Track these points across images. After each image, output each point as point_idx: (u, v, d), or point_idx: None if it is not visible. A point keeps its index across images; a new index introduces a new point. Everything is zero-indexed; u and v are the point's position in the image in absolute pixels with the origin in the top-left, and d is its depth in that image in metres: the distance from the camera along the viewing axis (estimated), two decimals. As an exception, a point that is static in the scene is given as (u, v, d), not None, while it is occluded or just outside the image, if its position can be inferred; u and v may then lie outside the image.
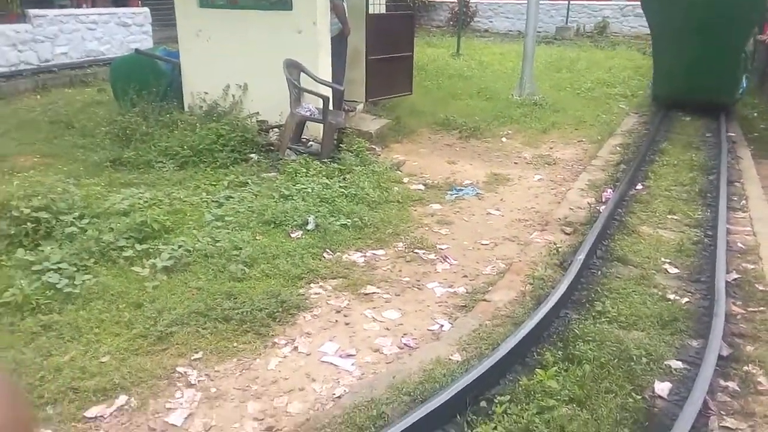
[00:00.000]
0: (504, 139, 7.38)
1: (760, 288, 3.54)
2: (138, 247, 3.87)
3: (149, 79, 6.71)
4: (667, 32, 8.43)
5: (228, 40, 6.46)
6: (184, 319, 3.16)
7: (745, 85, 8.63)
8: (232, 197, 4.90)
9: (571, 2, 19.68)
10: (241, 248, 3.96)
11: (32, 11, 10.02)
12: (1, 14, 10.19)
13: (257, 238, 4.23)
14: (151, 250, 3.87)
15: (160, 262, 3.71)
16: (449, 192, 5.55)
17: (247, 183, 5.23)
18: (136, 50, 7.38)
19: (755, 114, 8.70)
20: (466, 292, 3.68)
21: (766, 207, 4.97)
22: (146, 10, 12.41)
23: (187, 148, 5.76)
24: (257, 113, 6.37)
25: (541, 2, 15.91)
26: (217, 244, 4.01)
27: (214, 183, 5.25)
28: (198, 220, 4.43)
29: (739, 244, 4.22)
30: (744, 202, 5.11)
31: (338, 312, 3.41)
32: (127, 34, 11.67)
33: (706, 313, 3.19)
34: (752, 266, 3.87)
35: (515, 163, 6.56)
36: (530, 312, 3.13)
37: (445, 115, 7.87)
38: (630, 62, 13.11)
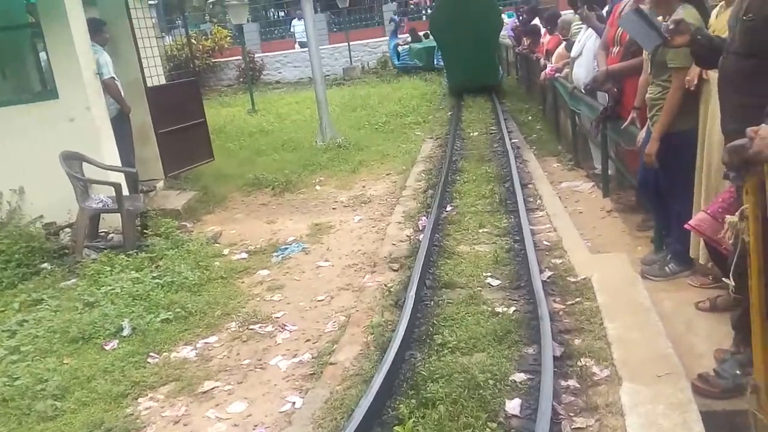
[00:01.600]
0: (318, 187, 7.41)
1: (572, 280, 3.86)
2: None
3: None
4: (449, 44, 12.63)
5: (-8, 142, 5.72)
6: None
7: (501, 72, 13.60)
8: (26, 321, 4.26)
9: (351, 43, 20.74)
10: (47, 380, 3.42)
11: None
12: None
13: (65, 362, 3.69)
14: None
15: (-60, 428, 3.05)
16: (274, 254, 5.38)
17: (43, 299, 4.59)
18: None
19: (529, 117, 9.74)
20: (312, 358, 3.53)
21: (557, 202, 5.51)
22: None
23: (-39, 275, 4.92)
24: (41, 216, 5.68)
25: (322, 47, 16.63)
26: (17, 383, 3.43)
27: (2, 309, 4.53)
28: (-13, 359, 3.75)
29: (545, 242, 4.61)
30: (539, 201, 5.62)
31: (177, 423, 3.05)
32: None
33: (533, 316, 3.39)
34: (560, 260, 4.22)
35: (333, 208, 6.59)
36: (377, 364, 3.07)
37: (253, 174, 7.71)
38: (416, 91, 14.07)
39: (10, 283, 4.94)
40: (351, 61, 20.46)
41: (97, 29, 6.09)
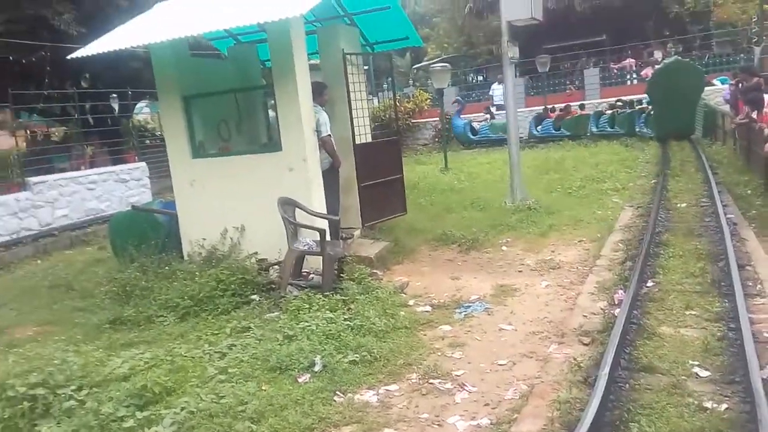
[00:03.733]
0: (504, 248, 7.34)
1: (801, 383, 3.31)
2: (139, 415, 3.66)
3: (147, 233, 6.79)
4: (661, 101, 15.87)
5: (222, 185, 6.61)
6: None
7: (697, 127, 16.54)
8: (234, 345, 4.75)
9: (548, 106, 20.55)
10: (247, 402, 3.76)
11: (32, 179, 10.37)
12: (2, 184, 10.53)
13: (263, 388, 4.02)
14: (152, 416, 3.66)
15: (162, 429, 3.49)
16: (457, 310, 5.41)
17: (250, 327, 5.09)
18: (133, 206, 7.54)
19: (748, 191, 8.73)
20: (491, 424, 3.44)
21: (783, 290, 4.82)
22: (143, 164, 12.89)
23: (188, 298, 5.68)
24: (256, 253, 6.37)
25: (519, 110, 16.72)
26: (222, 401, 3.81)
27: (216, 332, 5.11)
28: (201, 375, 4.24)
29: (766, 335, 4.03)
30: (760, 286, 4.96)
31: (356, 465, 3.15)
32: (125, 189, 12.04)
33: (750, 419, 2.96)
34: (786, 358, 3.66)
35: (519, 271, 6.46)
36: (562, 444, 2.89)
37: (442, 230, 7.89)
38: (615, 156, 13.44)
39: (225, 310, 5.57)
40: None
41: (319, 92, 6.81)
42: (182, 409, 3.68)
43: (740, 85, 11.68)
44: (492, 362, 4.28)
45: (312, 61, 7.37)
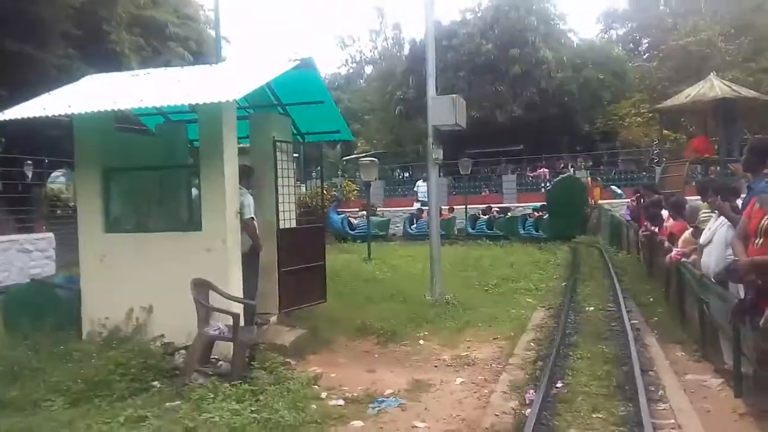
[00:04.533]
0: (422, 342, 7.33)
1: (699, 490, 3.40)
2: None
3: (45, 308, 6.32)
4: (556, 209, 18.87)
5: (134, 263, 6.33)
6: None
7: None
8: (128, 437, 4.38)
9: (469, 206, 21.45)
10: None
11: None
12: None
13: (155, 486, 3.70)
14: None
15: None
16: (371, 405, 5.26)
17: (147, 417, 4.72)
18: (32, 279, 7.05)
19: (651, 299, 9.25)
20: None
21: (683, 396, 5.02)
22: (50, 235, 12.19)
23: (81, 381, 5.23)
24: (162, 336, 6.04)
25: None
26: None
27: (108, 420, 4.69)
28: (86, 469, 3.85)
29: (667, 440, 4.15)
30: (661, 392, 5.15)
31: None
32: (28, 260, 11.27)
33: None
34: (686, 465, 3.76)
35: (435, 366, 6.44)
36: None
37: (361, 321, 7.81)
38: (529, 257, 14.03)
39: (121, 396, 5.16)
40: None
41: (246, 175, 6.82)
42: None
43: (642, 200, 12.68)
44: (403, 462, 4.14)
45: (241, 145, 7.42)
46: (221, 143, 6.10)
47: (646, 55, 34.91)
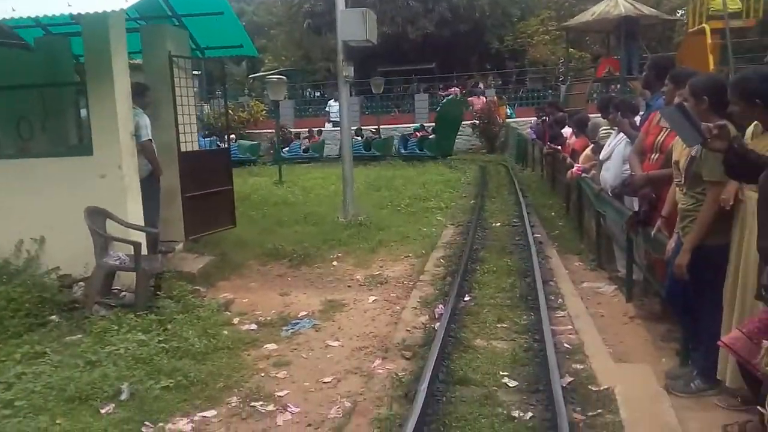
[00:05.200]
0: (335, 263, 7.34)
1: (593, 389, 3.67)
2: None
3: None
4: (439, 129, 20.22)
5: (19, 192, 5.80)
6: None
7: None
8: (25, 374, 4.13)
9: (381, 126, 21.32)
10: (35, 440, 3.27)
11: None
12: None
13: (58, 422, 3.54)
14: None
15: None
16: (284, 328, 5.25)
17: (46, 352, 4.47)
18: None
19: (552, 213, 9.71)
20: (311, 446, 3.34)
21: (579, 303, 5.36)
22: None
23: (-33, 320, 4.86)
24: (58, 268, 5.67)
25: (353, 128, 17.16)
26: (4, 441, 3.28)
27: (3, 359, 4.41)
28: (-22, 413, 3.62)
29: (566, 345, 4.43)
30: (561, 300, 5.48)
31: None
32: None
33: (551, 425, 3.19)
34: (581, 366, 4.04)
35: (349, 286, 6.49)
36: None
37: (273, 244, 7.69)
38: (440, 177, 14.26)
39: (15, 333, 4.84)
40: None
41: (140, 93, 6.29)
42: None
43: (548, 118, 13.04)
44: (317, 380, 4.19)
45: (133, 61, 6.82)
46: (109, 58, 5.55)
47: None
